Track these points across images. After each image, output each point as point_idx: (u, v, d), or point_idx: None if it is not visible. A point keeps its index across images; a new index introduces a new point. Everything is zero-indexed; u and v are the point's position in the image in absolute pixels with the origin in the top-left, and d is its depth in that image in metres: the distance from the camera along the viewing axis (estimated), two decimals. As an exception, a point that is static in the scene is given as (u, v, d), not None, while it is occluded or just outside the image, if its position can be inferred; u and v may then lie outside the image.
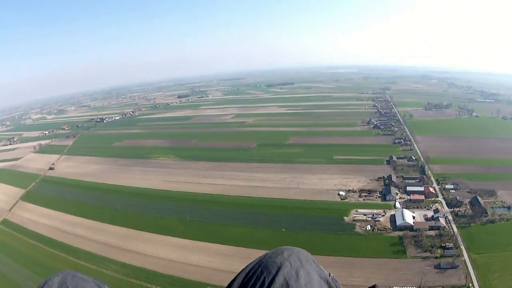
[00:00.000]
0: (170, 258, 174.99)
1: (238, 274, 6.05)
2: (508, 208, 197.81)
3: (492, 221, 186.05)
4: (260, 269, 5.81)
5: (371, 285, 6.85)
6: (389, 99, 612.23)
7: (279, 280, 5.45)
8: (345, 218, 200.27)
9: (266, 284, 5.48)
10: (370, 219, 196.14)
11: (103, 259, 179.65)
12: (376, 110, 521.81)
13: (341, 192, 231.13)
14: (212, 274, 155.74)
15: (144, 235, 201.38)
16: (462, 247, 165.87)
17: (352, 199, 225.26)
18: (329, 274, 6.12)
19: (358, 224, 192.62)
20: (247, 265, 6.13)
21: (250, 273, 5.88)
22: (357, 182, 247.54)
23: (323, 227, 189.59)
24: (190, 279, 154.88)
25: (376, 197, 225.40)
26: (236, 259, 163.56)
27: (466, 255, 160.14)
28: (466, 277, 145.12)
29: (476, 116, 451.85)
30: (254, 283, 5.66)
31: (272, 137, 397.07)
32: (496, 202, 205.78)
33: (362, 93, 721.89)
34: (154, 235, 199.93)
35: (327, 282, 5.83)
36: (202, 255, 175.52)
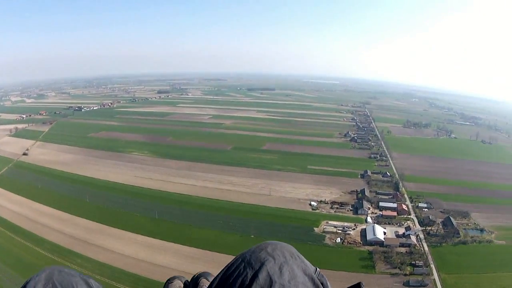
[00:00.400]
0: (136, 256, 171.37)
1: (221, 270, 5.64)
2: (481, 230, 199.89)
3: (464, 242, 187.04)
4: (243, 265, 5.46)
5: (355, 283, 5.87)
6: (369, 114, 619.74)
7: (262, 276, 5.22)
8: (315, 229, 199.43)
9: (248, 280, 5.26)
10: (340, 231, 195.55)
11: (68, 252, 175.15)
12: (355, 124, 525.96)
13: (312, 203, 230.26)
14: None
15: (111, 230, 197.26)
16: (432, 266, 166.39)
17: (323, 210, 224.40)
18: (316, 269, 5.64)
19: (328, 236, 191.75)
20: (231, 260, 5.68)
21: (232, 268, 5.51)
22: (329, 193, 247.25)
23: (292, 236, 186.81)
24: (154, 279, 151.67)
25: (348, 210, 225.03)
26: (202, 262, 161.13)
27: (436, 274, 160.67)
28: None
29: (455, 138, 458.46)
30: (236, 279, 5.37)
31: (248, 141, 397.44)
32: (469, 224, 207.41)
33: (342, 105, 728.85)
34: (122, 231, 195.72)
35: (312, 279, 5.39)
36: (168, 255, 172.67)
